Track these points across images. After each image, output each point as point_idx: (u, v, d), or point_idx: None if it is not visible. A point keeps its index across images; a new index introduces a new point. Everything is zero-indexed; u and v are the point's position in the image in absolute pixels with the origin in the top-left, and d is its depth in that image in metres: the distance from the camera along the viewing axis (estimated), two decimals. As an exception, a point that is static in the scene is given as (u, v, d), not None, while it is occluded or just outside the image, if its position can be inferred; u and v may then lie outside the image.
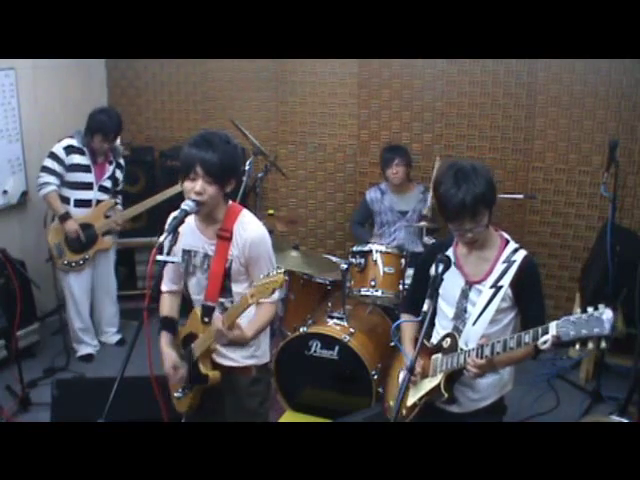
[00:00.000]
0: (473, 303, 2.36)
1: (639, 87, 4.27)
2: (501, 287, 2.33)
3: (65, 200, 4.16)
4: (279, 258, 3.99)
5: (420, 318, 2.23)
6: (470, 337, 2.36)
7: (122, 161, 4.41)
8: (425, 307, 2.17)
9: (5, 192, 4.49)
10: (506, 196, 4.46)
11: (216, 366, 2.50)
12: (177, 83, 5.41)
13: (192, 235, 2.46)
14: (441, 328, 2.51)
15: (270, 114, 5.19)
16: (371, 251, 3.87)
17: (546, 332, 2.03)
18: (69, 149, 4.09)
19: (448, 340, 2.39)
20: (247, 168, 4.33)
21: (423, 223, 4.19)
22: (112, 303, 4.62)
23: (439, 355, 2.40)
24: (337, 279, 4.03)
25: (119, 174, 4.37)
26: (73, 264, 4.23)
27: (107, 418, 2.06)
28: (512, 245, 2.40)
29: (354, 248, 3.99)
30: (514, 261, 2.34)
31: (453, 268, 2.41)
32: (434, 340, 2.50)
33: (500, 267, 2.35)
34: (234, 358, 2.52)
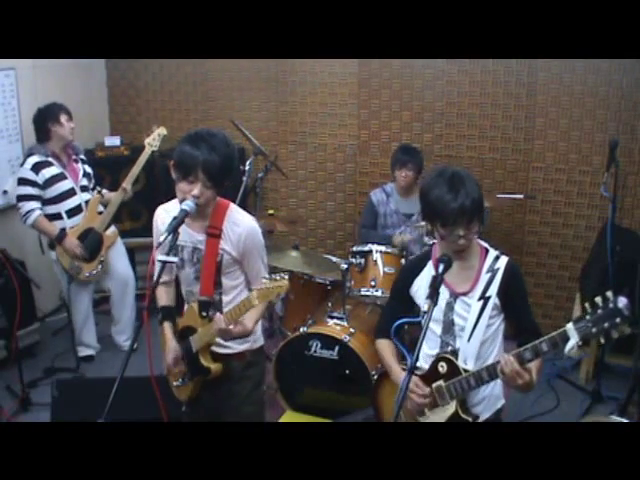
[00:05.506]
0: (461, 316, 2.32)
1: (639, 87, 4.27)
2: (489, 298, 2.30)
3: (56, 216, 4.04)
4: (279, 258, 4.04)
5: (419, 318, 2.21)
6: (468, 355, 2.31)
7: (83, 156, 4.33)
8: (425, 307, 2.14)
9: (5, 192, 4.49)
10: (506, 196, 4.46)
11: (214, 355, 2.56)
12: (177, 83, 5.41)
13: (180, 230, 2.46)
14: (428, 348, 2.40)
15: (270, 114, 5.19)
16: (371, 251, 3.87)
17: (565, 338, 1.98)
18: (36, 167, 3.95)
19: (443, 364, 2.30)
20: (247, 168, 4.33)
21: (423, 223, 4.17)
22: (130, 301, 4.46)
23: (441, 382, 2.31)
24: (337, 279, 4.02)
25: (89, 168, 4.28)
26: (94, 272, 4.18)
27: (107, 418, 2.06)
28: (493, 253, 2.37)
29: (354, 248, 3.98)
30: (497, 269, 2.32)
31: None
32: (425, 364, 2.38)
33: (485, 277, 2.32)
34: (229, 345, 2.56)
